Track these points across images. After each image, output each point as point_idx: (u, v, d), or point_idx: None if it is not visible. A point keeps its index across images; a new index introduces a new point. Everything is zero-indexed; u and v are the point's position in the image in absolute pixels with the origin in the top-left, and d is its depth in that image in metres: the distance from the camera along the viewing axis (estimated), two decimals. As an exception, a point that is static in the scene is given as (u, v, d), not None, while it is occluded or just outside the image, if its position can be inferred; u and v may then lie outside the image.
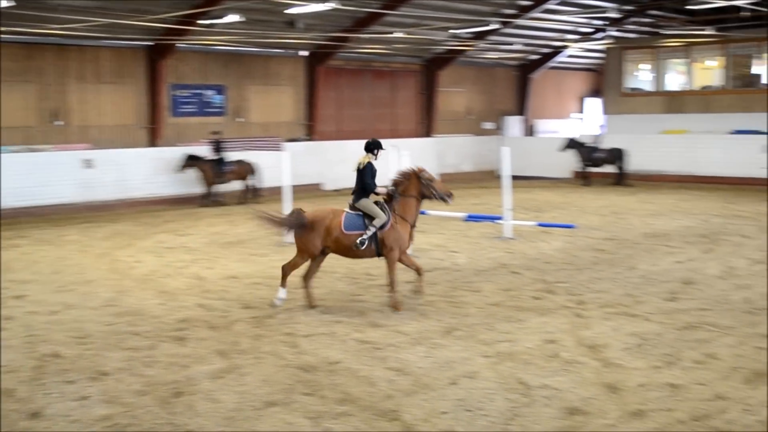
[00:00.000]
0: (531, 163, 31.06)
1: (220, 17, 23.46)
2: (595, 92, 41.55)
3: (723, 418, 6.79)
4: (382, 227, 10.47)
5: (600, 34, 35.07)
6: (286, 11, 24.32)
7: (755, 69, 31.52)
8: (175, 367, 8.34)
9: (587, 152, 28.60)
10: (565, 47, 35.79)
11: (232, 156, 24.11)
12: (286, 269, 10.79)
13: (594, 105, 41.50)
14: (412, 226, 10.74)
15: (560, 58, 37.90)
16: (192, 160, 24.23)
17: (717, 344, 8.86)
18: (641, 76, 35.05)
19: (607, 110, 35.28)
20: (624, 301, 10.95)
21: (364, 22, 27.71)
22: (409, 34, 28.11)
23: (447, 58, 33.70)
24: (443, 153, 32.36)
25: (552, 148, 30.67)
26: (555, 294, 11.46)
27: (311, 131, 30.06)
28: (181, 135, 26.71)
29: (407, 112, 34.12)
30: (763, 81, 30.88)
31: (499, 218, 16.87)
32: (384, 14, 27.18)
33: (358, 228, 10.47)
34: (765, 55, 30.60)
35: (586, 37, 35.38)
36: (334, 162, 27.77)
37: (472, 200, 23.61)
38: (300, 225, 10.60)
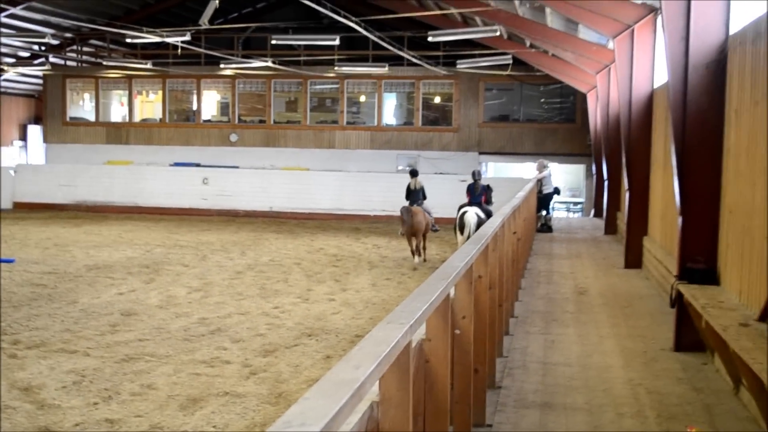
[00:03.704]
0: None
1: None
2: (38, 120, 39.93)
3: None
4: None
5: (39, 60, 33.82)
6: None
7: (194, 104, 33.24)
8: None
9: None
10: (1, 71, 33.81)
11: None
12: (412, 246, 17.56)
13: (37, 133, 39.80)
14: None
15: (-2, 82, 35.74)
16: None
17: (155, 374, 9.02)
18: (85, 105, 34.71)
19: (48, 139, 34.22)
20: (63, 337, 10.59)
21: None
22: None
23: None
24: None
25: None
26: (-13, 336, 10.66)
27: None
28: None
29: None
30: (202, 116, 32.74)
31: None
32: None
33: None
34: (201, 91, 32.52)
35: (23, 61, 33.81)
36: None
37: None
38: (409, 214, 17.01)
